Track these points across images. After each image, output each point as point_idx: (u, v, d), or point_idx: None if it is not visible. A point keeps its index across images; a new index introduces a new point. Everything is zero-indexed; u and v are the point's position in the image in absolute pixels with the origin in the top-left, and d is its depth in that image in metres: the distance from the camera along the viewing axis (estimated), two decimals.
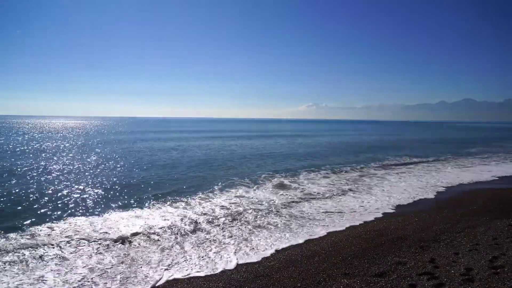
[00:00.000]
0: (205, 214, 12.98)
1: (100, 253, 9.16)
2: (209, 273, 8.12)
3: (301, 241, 10.20)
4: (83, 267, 8.27)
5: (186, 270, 8.29)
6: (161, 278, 7.83)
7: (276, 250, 9.49)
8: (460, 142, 57.80)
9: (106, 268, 8.23)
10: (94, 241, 9.98)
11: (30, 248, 9.28)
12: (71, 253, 9.10)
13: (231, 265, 8.53)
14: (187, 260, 8.86)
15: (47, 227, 11.04)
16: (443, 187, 18.59)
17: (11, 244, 9.59)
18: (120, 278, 7.78)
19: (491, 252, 8.19)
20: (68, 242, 9.84)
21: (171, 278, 7.89)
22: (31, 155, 30.55)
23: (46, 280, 7.61)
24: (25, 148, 37.07)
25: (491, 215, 12.05)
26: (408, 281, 6.92)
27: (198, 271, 8.22)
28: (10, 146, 38.40)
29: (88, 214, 12.85)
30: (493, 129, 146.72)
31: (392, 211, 13.72)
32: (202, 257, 9.02)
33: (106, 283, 7.52)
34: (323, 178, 21.04)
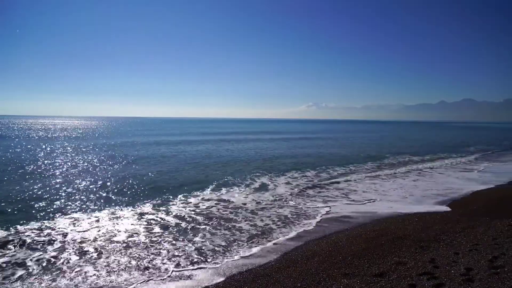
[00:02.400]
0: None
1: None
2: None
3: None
4: None
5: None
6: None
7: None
8: (460, 142, 57.77)
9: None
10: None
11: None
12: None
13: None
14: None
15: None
16: (438, 190, 18.59)
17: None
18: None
19: (491, 252, 8.18)
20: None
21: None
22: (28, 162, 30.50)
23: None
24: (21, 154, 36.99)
25: (491, 215, 12.05)
26: (408, 281, 6.91)
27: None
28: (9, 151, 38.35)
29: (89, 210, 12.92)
30: (493, 129, 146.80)
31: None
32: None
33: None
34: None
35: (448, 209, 13.68)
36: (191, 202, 14.83)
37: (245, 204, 14.72)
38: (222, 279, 7.78)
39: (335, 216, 12.88)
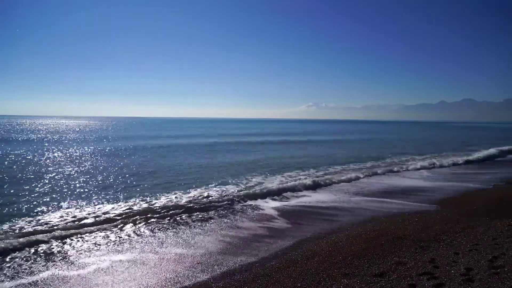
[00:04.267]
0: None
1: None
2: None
3: None
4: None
5: None
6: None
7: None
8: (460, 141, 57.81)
9: None
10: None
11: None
12: None
13: None
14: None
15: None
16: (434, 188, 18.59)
17: None
18: None
19: (491, 252, 8.18)
20: None
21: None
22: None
23: None
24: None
25: (491, 215, 12.05)
26: (408, 281, 6.92)
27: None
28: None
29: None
30: (493, 129, 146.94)
31: None
32: None
33: None
34: None
35: (448, 208, 13.65)
36: (171, 199, 15.26)
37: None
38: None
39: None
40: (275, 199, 15.58)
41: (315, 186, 18.24)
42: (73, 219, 12.11)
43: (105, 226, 11.45)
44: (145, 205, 14.07)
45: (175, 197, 15.61)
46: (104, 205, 14.23)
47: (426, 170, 24.81)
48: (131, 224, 11.71)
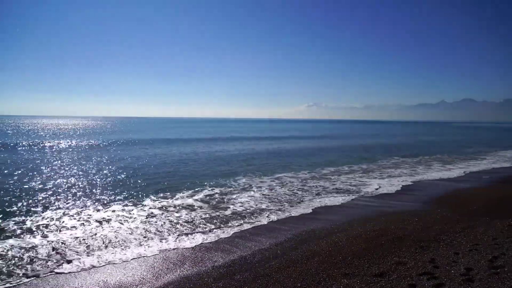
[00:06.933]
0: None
1: None
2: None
3: None
4: None
5: None
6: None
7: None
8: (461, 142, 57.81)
9: None
10: None
11: None
12: None
13: None
14: None
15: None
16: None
17: None
18: None
19: (491, 252, 8.19)
20: None
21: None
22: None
23: None
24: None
25: (491, 215, 12.05)
26: (408, 281, 6.92)
27: None
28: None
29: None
30: (494, 128, 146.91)
31: None
32: None
33: None
34: None
35: (448, 208, 13.66)
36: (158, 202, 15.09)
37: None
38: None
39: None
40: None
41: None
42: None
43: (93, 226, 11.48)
44: (131, 206, 14.15)
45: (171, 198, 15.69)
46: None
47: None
48: (131, 223, 11.76)
